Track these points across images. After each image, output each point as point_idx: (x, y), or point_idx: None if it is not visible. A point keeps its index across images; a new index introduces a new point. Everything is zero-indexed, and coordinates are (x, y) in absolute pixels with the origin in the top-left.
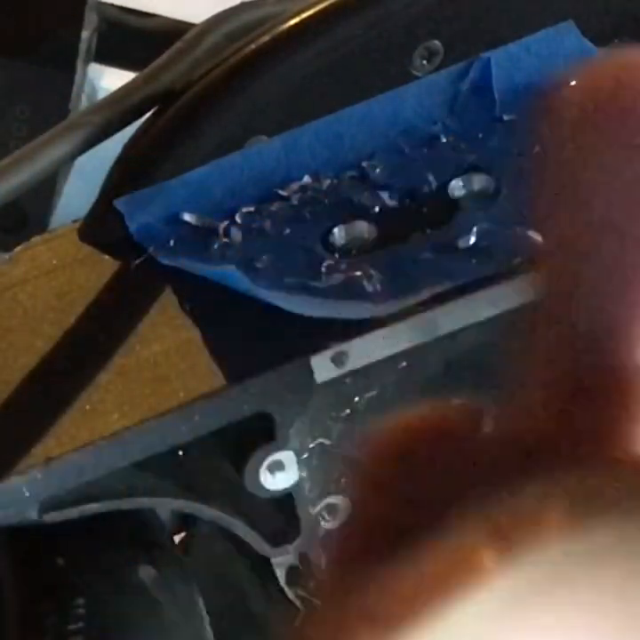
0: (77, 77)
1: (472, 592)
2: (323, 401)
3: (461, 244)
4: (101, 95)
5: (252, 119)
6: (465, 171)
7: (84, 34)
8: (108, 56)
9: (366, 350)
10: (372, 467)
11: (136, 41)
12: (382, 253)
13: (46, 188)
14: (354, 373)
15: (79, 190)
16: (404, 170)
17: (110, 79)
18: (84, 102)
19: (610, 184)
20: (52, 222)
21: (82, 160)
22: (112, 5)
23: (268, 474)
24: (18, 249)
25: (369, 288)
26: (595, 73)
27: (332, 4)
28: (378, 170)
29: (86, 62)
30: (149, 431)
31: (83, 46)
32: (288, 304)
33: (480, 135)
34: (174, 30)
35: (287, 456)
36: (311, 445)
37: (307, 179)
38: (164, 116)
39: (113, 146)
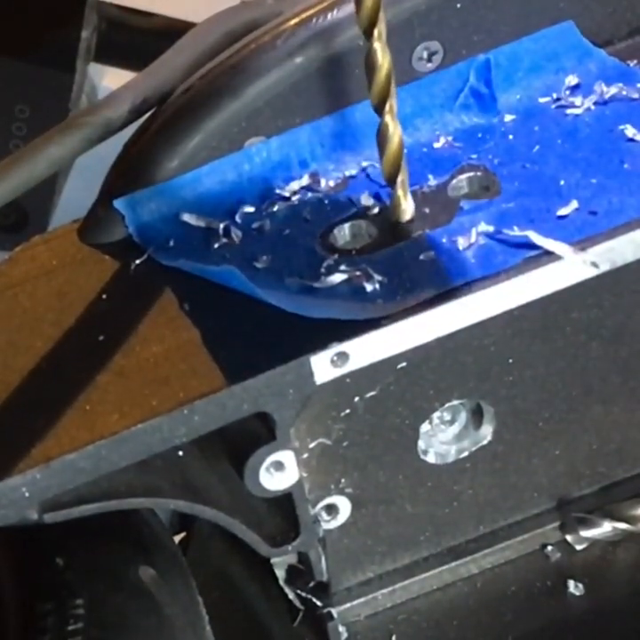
0: (77, 77)
1: None
2: (323, 401)
3: (461, 243)
4: (101, 95)
5: (252, 119)
6: (465, 170)
7: (84, 34)
8: (108, 56)
9: (366, 351)
10: None
11: (136, 41)
12: (382, 254)
13: (46, 188)
14: (354, 373)
15: (79, 189)
16: None
17: (110, 79)
18: (84, 102)
19: None
20: (52, 221)
21: (82, 159)
22: (112, 5)
23: (267, 474)
24: (18, 249)
25: (369, 288)
26: None
27: (332, 4)
28: (378, 169)
29: (86, 62)
30: (149, 432)
31: (83, 46)
32: (288, 304)
33: (480, 135)
34: (174, 30)
35: (287, 456)
36: (311, 445)
37: (306, 179)
38: (163, 116)
39: (113, 145)
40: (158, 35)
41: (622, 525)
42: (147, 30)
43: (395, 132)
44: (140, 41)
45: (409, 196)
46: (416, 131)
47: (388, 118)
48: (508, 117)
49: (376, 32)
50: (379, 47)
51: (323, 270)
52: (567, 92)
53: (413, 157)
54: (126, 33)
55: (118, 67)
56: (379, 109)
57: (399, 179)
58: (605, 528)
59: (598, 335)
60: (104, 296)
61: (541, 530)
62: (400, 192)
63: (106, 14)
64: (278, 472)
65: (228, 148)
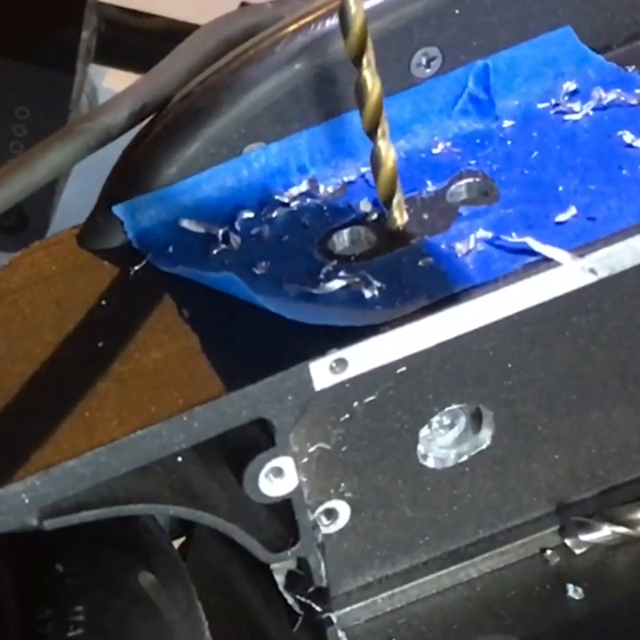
0: (77, 77)
1: None
2: (322, 406)
3: (460, 250)
4: (101, 95)
5: (251, 125)
6: (463, 176)
7: (84, 34)
8: (108, 57)
9: (365, 357)
10: None
11: (136, 41)
12: (381, 260)
13: (47, 190)
14: (353, 378)
15: (79, 191)
16: (403, 175)
17: (110, 79)
18: (84, 103)
19: None
20: (52, 222)
21: (82, 163)
22: (112, 5)
23: (266, 480)
24: (17, 255)
25: (368, 294)
26: None
27: (330, 11)
28: None
29: (86, 62)
30: (148, 438)
31: (83, 46)
32: (287, 311)
33: (478, 141)
34: (174, 31)
35: (286, 462)
36: (310, 450)
37: (305, 185)
38: (162, 122)
39: (113, 148)
40: (158, 36)
41: (622, 529)
42: (147, 31)
43: (388, 155)
44: (139, 42)
45: (405, 216)
46: (414, 136)
47: (380, 143)
48: (507, 123)
49: (365, 60)
50: (368, 74)
51: (321, 276)
52: (566, 98)
53: (412, 163)
54: (126, 34)
55: (118, 68)
56: (371, 135)
57: (394, 201)
58: (605, 532)
59: (597, 339)
60: (103, 302)
61: (541, 534)
62: (396, 214)
63: (106, 15)
64: (277, 478)
65: (227, 154)
